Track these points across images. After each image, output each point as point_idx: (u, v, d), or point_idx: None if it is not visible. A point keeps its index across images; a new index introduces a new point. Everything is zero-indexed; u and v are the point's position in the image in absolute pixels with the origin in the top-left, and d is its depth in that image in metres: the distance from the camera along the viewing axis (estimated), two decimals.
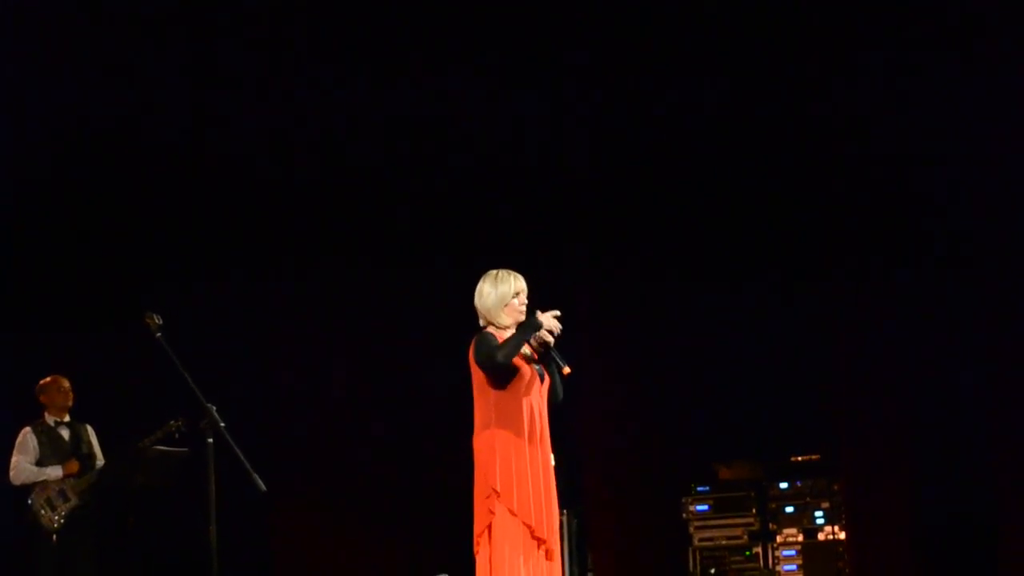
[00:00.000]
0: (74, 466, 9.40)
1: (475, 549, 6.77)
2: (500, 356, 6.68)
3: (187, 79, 10.69)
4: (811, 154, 10.34)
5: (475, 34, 10.59)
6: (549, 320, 6.76)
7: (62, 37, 10.46)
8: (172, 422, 9.09)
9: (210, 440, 7.35)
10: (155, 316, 7.44)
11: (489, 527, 6.71)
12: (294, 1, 10.75)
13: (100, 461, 9.55)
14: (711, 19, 10.25)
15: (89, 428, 9.65)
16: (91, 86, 10.57)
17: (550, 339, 6.79)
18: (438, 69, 10.73)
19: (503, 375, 6.72)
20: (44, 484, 9.35)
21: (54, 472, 9.37)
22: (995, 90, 9.64)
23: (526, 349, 6.79)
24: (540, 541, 6.73)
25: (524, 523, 6.69)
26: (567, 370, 6.77)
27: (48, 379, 9.59)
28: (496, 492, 6.69)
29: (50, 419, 9.56)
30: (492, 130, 10.74)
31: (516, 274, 6.92)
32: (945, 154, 9.74)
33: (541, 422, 6.83)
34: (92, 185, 10.94)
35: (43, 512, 9.31)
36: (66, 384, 9.58)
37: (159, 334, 7.40)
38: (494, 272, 6.93)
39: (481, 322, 6.92)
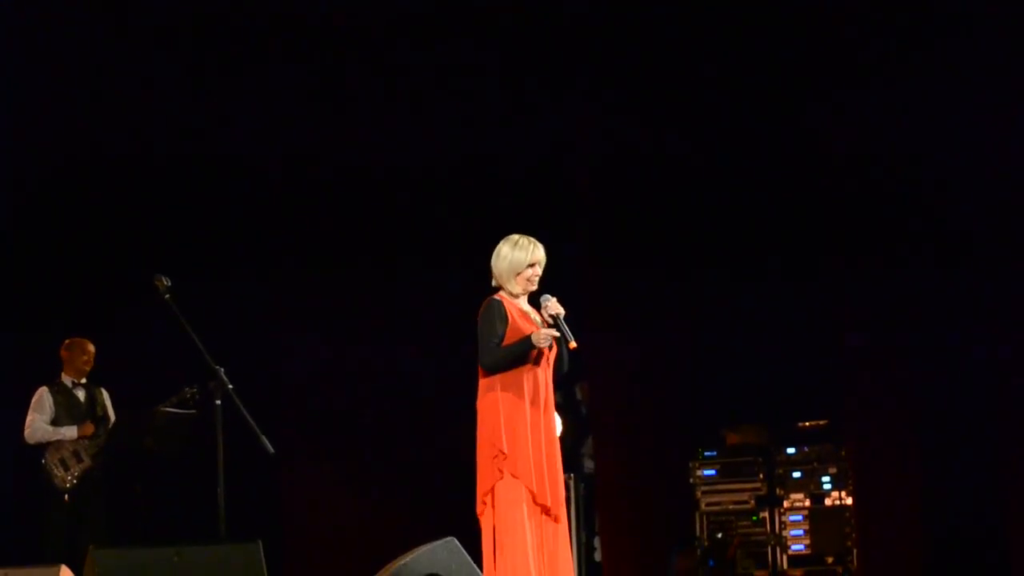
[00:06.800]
0: (89, 428, 9.44)
1: (479, 510, 6.82)
2: (485, 361, 6.75)
3: (191, 78, 10.76)
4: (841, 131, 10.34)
5: (475, 32, 10.60)
6: (552, 310, 6.76)
7: (78, 38, 10.51)
8: (187, 388, 9.09)
9: (218, 402, 7.41)
10: (163, 278, 7.53)
11: (493, 488, 6.74)
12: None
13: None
14: (715, 15, 10.27)
15: (104, 391, 9.68)
16: (91, 84, 10.64)
17: (560, 311, 6.78)
18: (438, 68, 10.78)
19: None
20: (58, 444, 9.39)
21: (69, 432, 9.41)
22: (996, 87, 9.63)
23: (537, 318, 6.80)
24: (542, 507, 6.75)
25: (526, 487, 6.71)
26: (573, 344, 6.75)
27: (75, 339, 9.60)
28: (503, 453, 6.72)
29: (67, 380, 9.59)
30: (499, 120, 10.77)
31: (537, 243, 6.88)
32: (963, 131, 9.70)
33: (546, 390, 6.85)
34: (105, 168, 10.97)
35: (56, 472, 9.35)
36: (90, 347, 9.59)
37: (167, 295, 7.47)
38: (516, 236, 6.90)
39: (493, 283, 6.92)
